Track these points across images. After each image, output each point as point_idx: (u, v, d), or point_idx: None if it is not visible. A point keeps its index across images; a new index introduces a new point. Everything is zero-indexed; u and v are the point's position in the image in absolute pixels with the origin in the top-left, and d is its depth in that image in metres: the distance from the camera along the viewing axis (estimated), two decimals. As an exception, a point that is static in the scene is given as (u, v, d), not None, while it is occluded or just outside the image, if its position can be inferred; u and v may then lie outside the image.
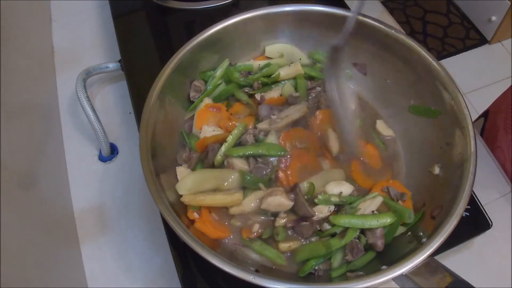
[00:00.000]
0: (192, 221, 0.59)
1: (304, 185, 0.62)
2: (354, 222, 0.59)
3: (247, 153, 0.64)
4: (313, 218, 0.60)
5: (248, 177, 0.61)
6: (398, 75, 0.72)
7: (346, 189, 0.63)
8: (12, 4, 0.79)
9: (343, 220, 0.59)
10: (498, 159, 0.82)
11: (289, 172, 0.63)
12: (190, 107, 0.71)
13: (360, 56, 0.75)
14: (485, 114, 0.83)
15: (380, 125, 0.73)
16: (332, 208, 0.61)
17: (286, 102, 0.73)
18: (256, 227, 0.61)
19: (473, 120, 0.61)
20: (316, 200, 0.61)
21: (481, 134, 0.85)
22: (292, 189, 0.62)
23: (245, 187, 0.62)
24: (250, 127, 0.69)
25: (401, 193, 0.63)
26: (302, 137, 0.67)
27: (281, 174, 0.64)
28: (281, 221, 0.61)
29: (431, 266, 0.51)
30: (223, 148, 0.64)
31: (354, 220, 0.58)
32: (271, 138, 0.66)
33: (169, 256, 0.64)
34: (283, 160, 0.64)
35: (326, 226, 0.61)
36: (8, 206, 0.55)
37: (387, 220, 0.59)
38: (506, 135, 0.77)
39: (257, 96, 0.71)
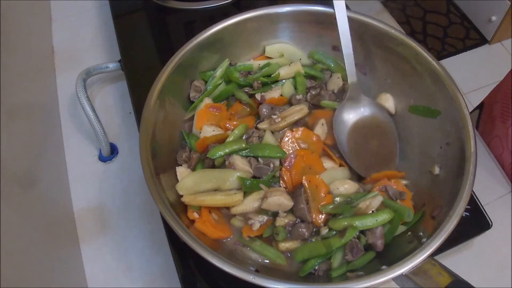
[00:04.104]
0: (192, 221, 0.59)
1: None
2: (353, 225, 0.58)
3: (245, 154, 0.64)
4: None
5: (248, 182, 0.61)
6: (398, 75, 0.72)
7: (350, 188, 0.63)
8: (12, 4, 0.79)
9: (342, 224, 0.58)
10: (494, 151, 0.82)
11: (293, 172, 0.63)
12: (190, 107, 0.71)
13: (360, 56, 0.75)
14: (480, 106, 0.83)
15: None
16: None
17: (287, 103, 0.73)
18: (256, 225, 0.61)
19: (469, 111, 0.61)
20: (323, 209, 0.60)
21: (477, 127, 0.85)
22: (295, 189, 0.62)
23: (246, 187, 0.62)
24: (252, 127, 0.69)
25: (400, 192, 0.63)
26: (306, 137, 0.67)
27: (284, 174, 0.64)
28: (281, 221, 0.61)
29: (431, 266, 0.51)
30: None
31: (353, 222, 0.58)
32: (268, 138, 0.66)
33: (169, 256, 0.64)
34: (287, 160, 0.64)
35: (325, 230, 0.60)
36: (8, 206, 0.55)
37: (385, 216, 0.58)
38: (503, 124, 0.77)
39: (257, 96, 0.71)
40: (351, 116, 0.70)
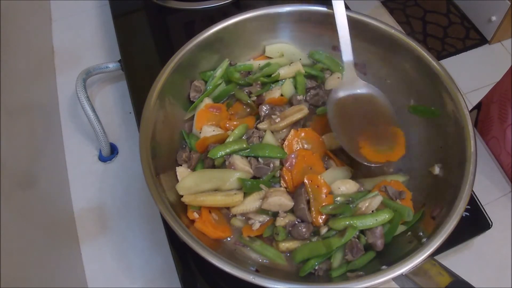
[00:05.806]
0: (192, 221, 0.59)
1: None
2: (353, 224, 0.58)
3: (245, 154, 0.64)
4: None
5: (248, 183, 0.61)
6: (398, 75, 0.72)
7: (351, 187, 0.63)
8: (12, 4, 0.79)
9: (342, 224, 0.58)
10: (493, 151, 0.82)
11: (294, 172, 0.63)
12: (190, 107, 0.71)
13: (360, 56, 0.75)
14: (478, 106, 0.83)
15: None
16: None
17: (287, 103, 0.73)
18: (256, 225, 0.61)
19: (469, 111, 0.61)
20: (323, 211, 0.60)
21: (475, 127, 0.85)
22: (295, 189, 0.62)
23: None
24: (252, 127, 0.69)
25: (400, 192, 0.63)
26: (310, 139, 0.67)
27: (285, 174, 0.64)
28: (281, 221, 0.61)
29: (431, 266, 0.51)
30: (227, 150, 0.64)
31: (353, 222, 0.58)
32: (268, 138, 0.66)
33: (169, 256, 0.64)
34: (288, 161, 0.64)
35: (324, 230, 0.60)
36: (8, 206, 0.55)
37: (385, 216, 0.58)
38: (500, 125, 0.77)
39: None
40: (348, 98, 0.67)
